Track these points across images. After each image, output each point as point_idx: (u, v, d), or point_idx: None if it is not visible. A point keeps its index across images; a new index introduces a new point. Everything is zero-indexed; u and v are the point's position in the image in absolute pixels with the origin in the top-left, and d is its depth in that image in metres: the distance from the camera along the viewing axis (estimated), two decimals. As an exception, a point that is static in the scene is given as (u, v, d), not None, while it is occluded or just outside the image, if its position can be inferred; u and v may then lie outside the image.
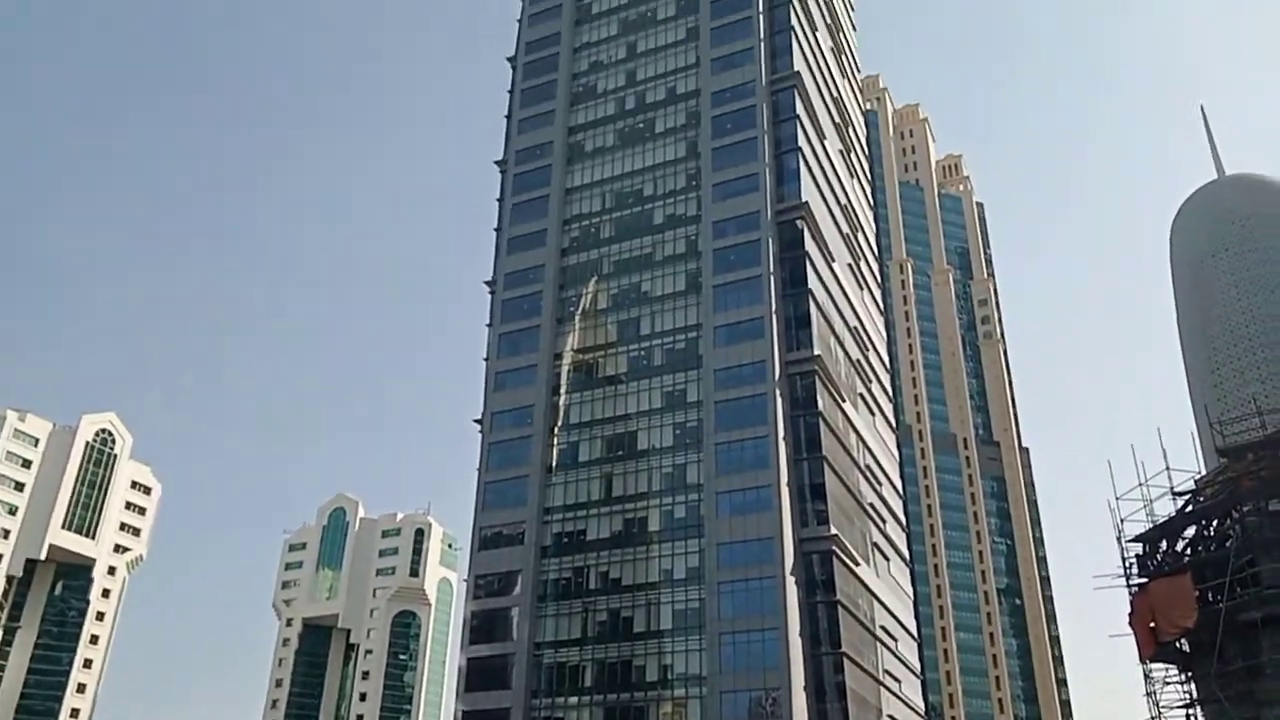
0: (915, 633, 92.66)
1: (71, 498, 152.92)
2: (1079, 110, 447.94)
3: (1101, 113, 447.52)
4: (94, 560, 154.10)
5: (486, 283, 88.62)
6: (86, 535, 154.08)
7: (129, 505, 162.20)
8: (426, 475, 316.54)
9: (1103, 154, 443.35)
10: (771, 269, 76.67)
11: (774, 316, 75.00)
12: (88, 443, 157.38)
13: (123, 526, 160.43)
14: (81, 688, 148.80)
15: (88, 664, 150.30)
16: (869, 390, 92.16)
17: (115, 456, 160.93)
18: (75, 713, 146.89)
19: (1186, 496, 45.94)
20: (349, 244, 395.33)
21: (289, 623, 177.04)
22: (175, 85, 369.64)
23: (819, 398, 74.48)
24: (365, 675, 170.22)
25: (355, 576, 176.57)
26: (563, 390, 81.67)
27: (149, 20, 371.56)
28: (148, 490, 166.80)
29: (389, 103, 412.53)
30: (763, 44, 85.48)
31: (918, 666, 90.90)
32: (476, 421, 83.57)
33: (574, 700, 70.01)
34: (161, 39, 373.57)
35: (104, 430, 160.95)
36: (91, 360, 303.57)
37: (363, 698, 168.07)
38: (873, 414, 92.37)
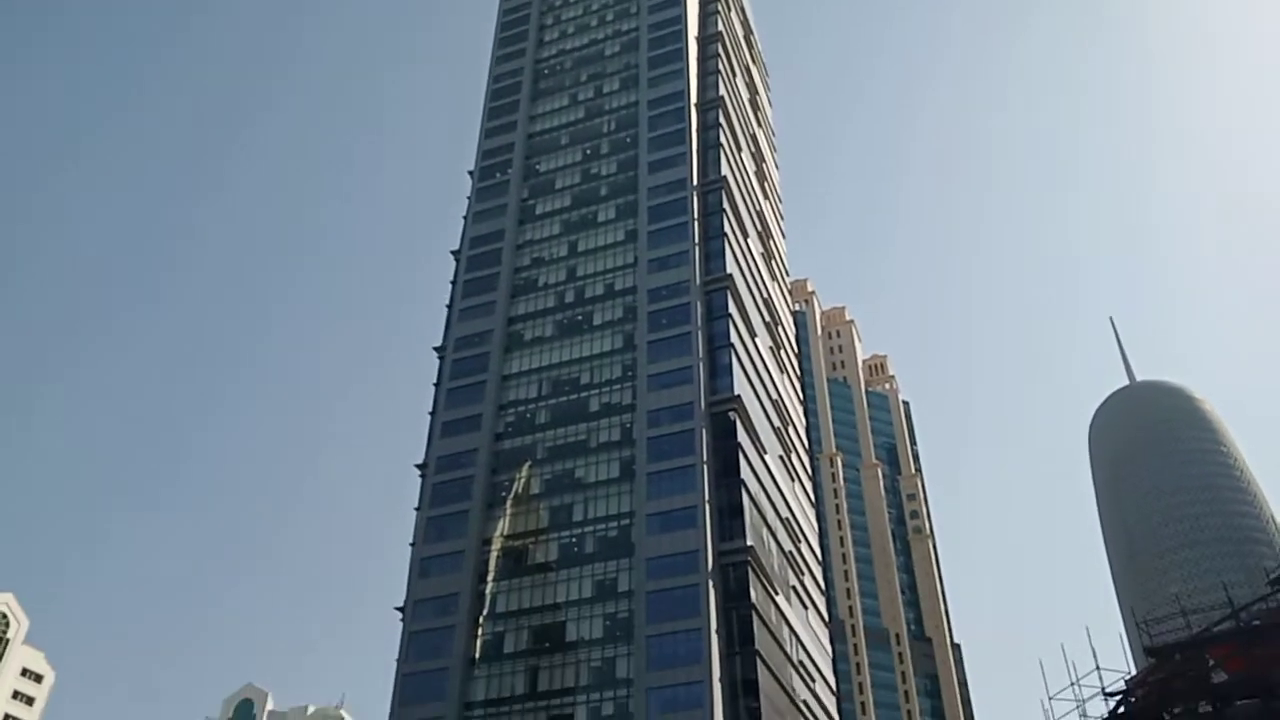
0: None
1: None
2: (999, 312, 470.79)
3: (1020, 317, 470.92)
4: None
5: (417, 466, 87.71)
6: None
7: (16, 695, 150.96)
8: (344, 663, 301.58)
9: (1022, 355, 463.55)
10: (705, 458, 77.34)
11: (707, 505, 75.08)
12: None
13: (7, 718, 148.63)
14: None
15: None
16: (801, 583, 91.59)
17: (7, 641, 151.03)
18: None
19: (1118, 697, 45.78)
20: (278, 422, 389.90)
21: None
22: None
23: (752, 589, 73.75)
24: None
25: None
26: (490, 577, 79.71)
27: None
28: (39, 678, 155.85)
29: (330, 290, 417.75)
30: (697, 248, 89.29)
31: None
32: (398, 609, 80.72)
33: None
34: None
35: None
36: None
37: None
38: (805, 607, 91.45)
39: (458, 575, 79.33)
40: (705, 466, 76.92)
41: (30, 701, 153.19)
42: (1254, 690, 41.72)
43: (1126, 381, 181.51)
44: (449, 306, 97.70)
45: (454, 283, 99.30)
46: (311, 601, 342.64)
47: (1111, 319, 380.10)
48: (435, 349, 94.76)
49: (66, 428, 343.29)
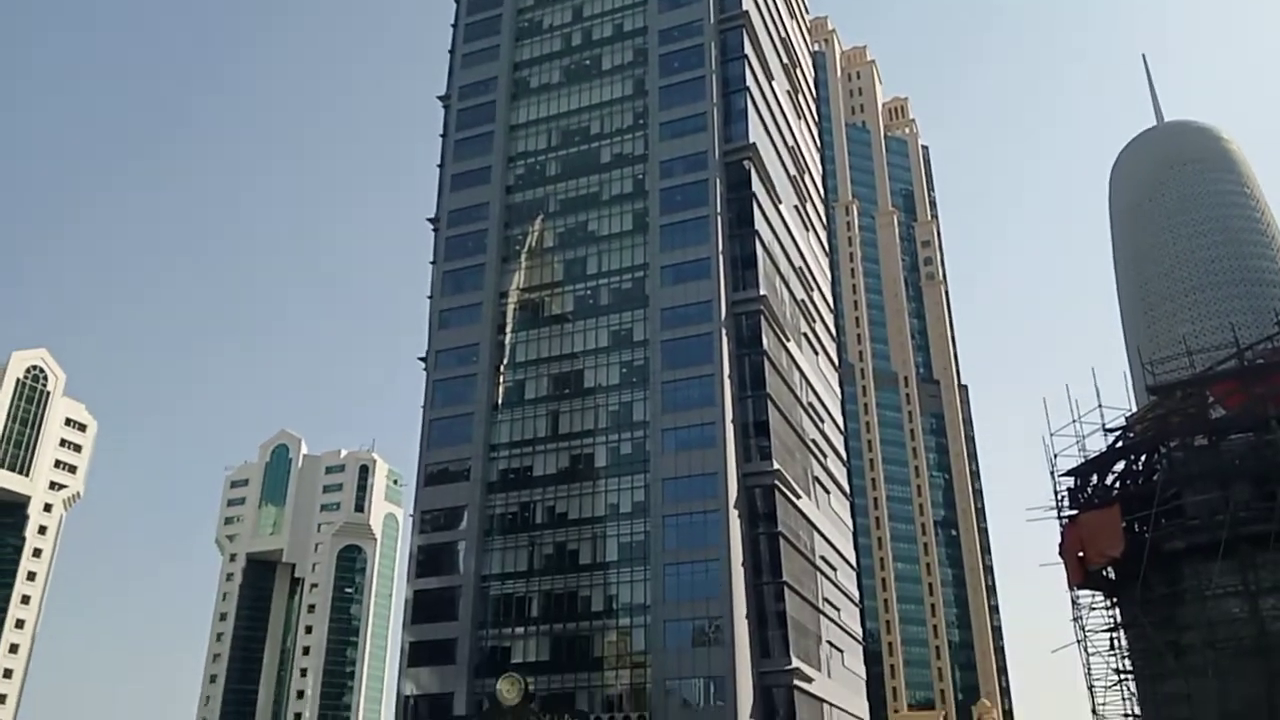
0: (854, 563, 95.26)
1: (3, 435, 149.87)
2: (1024, 58, 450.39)
3: (1046, 61, 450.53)
4: (29, 498, 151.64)
5: (430, 220, 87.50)
6: (20, 473, 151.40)
7: (64, 443, 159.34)
8: (370, 412, 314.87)
9: (1047, 102, 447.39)
10: (719, 209, 76.74)
11: (720, 256, 75.30)
12: (18, 379, 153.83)
13: (58, 464, 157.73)
14: (20, 623, 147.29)
15: (25, 600, 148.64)
16: (813, 330, 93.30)
17: (48, 394, 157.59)
18: (14, 648, 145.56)
19: (1117, 433, 47.56)
20: (289, 177, 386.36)
21: (232, 558, 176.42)
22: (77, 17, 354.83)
23: (764, 337, 75.27)
24: (311, 609, 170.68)
25: (299, 512, 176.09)
26: (508, 329, 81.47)
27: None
28: (83, 427, 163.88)
29: (328, 35, 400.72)
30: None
31: (856, 595, 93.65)
32: (421, 359, 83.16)
33: (520, 630, 71.17)
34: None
35: (35, 367, 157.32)
36: (15, 296, 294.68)
37: (308, 630, 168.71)
38: (816, 353, 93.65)
39: (476, 326, 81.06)
40: (719, 218, 76.47)
41: (78, 449, 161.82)
42: (1250, 425, 43.23)
43: (1155, 124, 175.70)
44: (450, 52, 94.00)
45: (454, 25, 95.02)
46: (340, 354, 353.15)
47: (1144, 56, 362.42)
48: (440, 98, 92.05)
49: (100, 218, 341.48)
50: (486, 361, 79.69)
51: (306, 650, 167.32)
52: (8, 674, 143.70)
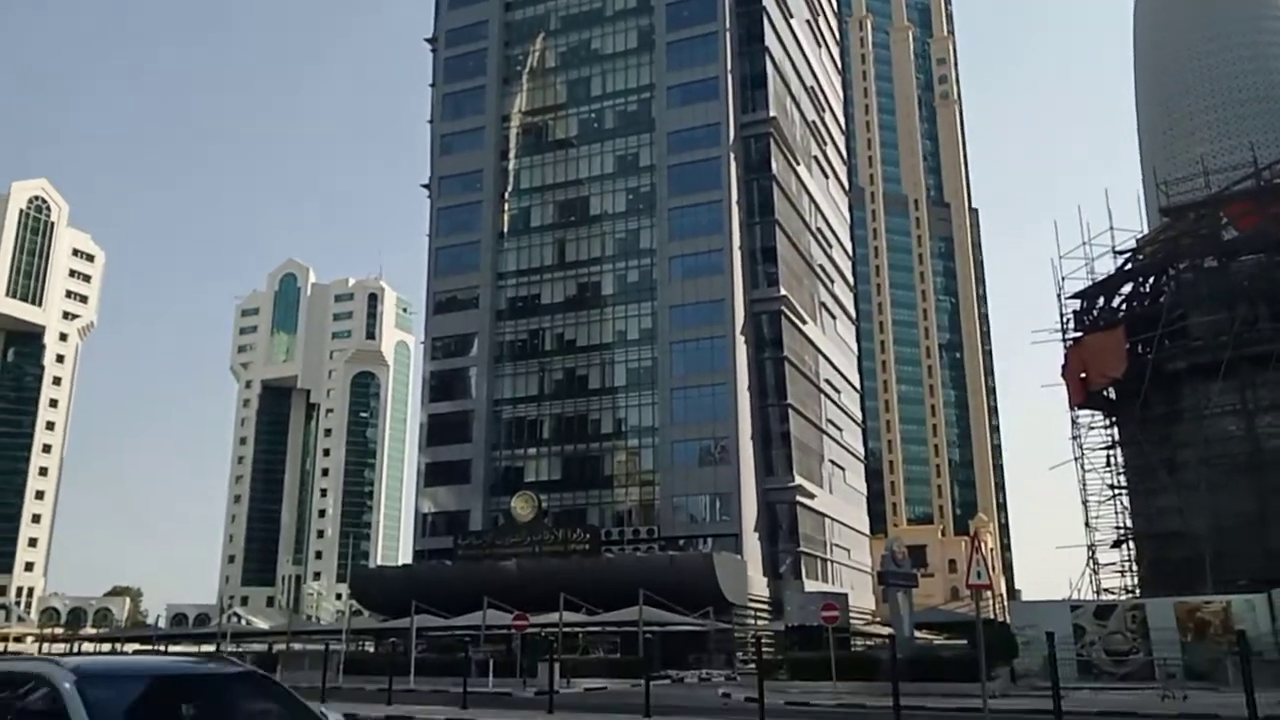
0: (858, 385, 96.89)
1: (12, 265, 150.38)
2: None
3: None
4: (43, 327, 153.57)
5: (428, 40, 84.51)
6: (33, 303, 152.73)
7: (73, 273, 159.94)
8: (375, 240, 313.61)
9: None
10: (727, 24, 73.87)
11: (729, 76, 73.04)
12: (21, 210, 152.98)
13: (69, 294, 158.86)
14: (47, 448, 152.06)
15: (50, 426, 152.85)
16: (823, 153, 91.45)
17: (52, 224, 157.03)
18: (44, 471, 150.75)
19: (1127, 255, 47.26)
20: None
21: (248, 385, 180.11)
22: None
23: (773, 160, 73.91)
24: (328, 433, 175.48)
25: (311, 340, 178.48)
26: (512, 154, 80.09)
27: None
28: (90, 257, 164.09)
29: None
30: None
31: (859, 416, 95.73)
32: (424, 186, 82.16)
33: (532, 451, 73.29)
34: None
35: (37, 197, 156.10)
36: (10, 126, 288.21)
37: (326, 454, 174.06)
38: (826, 177, 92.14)
39: (480, 152, 79.69)
40: (728, 34, 73.69)
41: (87, 279, 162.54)
42: (1262, 246, 42.88)
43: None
44: None
45: None
46: (344, 183, 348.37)
47: None
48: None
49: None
50: (491, 188, 78.77)
51: (326, 472, 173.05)
52: (39, 495, 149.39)
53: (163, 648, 51.98)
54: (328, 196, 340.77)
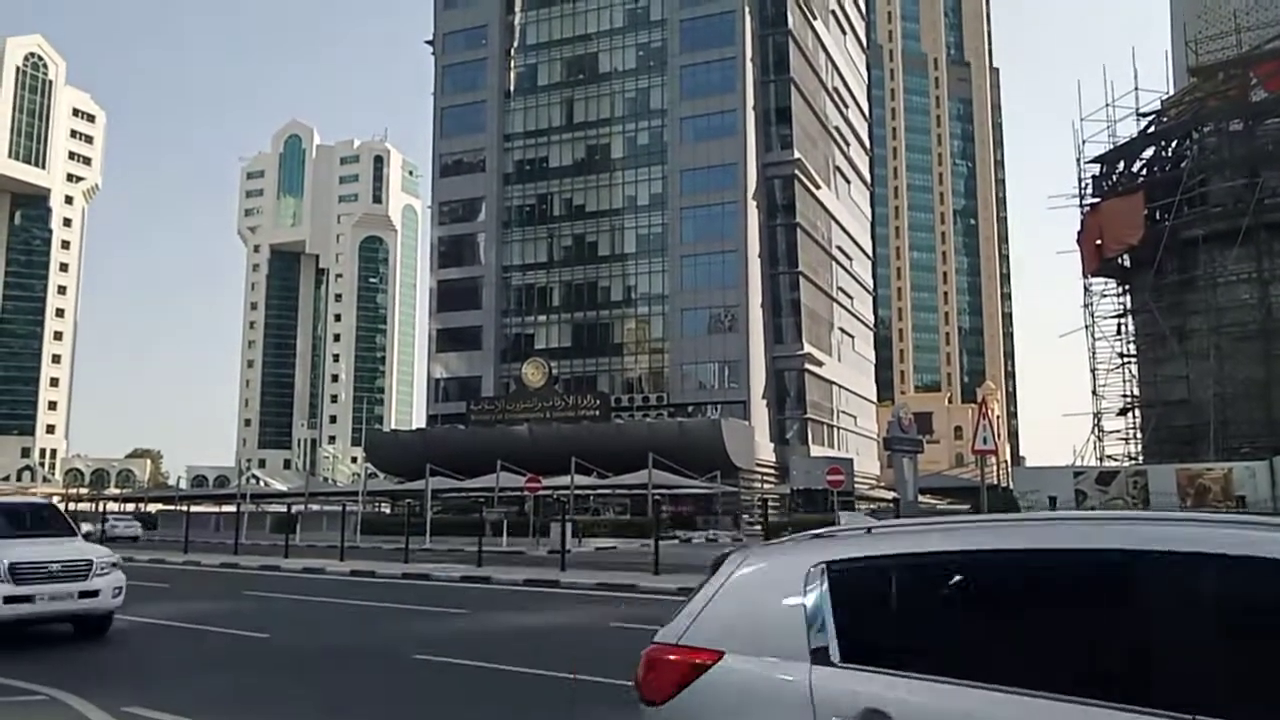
0: (870, 252, 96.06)
1: (12, 126, 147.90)
2: None
3: None
4: (48, 190, 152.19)
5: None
6: (36, 164, 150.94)
7: (75, 134, 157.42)
8: (379, 100, 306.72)
9: None
10: None
11: (744, -77, 69.75)
12: (18, 68, 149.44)
13: (72, 155, 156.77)
14: (60, 312, 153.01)
15: (62, 290, 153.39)
16: (842, 7, 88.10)
17: (50, 82, 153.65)
18: (59, 335, 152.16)
19: (1150, 117, 45.83)
20: None
21: (256, 249, 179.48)
22: None
23: (789, 15, 71.32)
24: (338, 298, 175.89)
25: (318, 203, 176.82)
26: (518, 7, 77.45)
27: None
28: (91, 118, 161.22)
29: None
30: None
31: (870, 284, 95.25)
32: (428, 43, 79.78)
33: (543, 318, 73.43)
34: None
35: (33, 54, 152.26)
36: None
37: (337, 319, 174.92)
38: (844, 33, 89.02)
39: (484, 6, 77.13)
40: (743, -122, 69.97)
41: (89, 140, 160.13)
42: (1291, 109, 41.48)
43: None
44: None
45: None
46: (346, 39, 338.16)
47: None
48: None
49: None
50: (496, 44, 76.51)
51: (337, 338, 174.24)
52: (56, 359, 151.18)
53: (186, 507, 53.44)
54: (331, 53, 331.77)
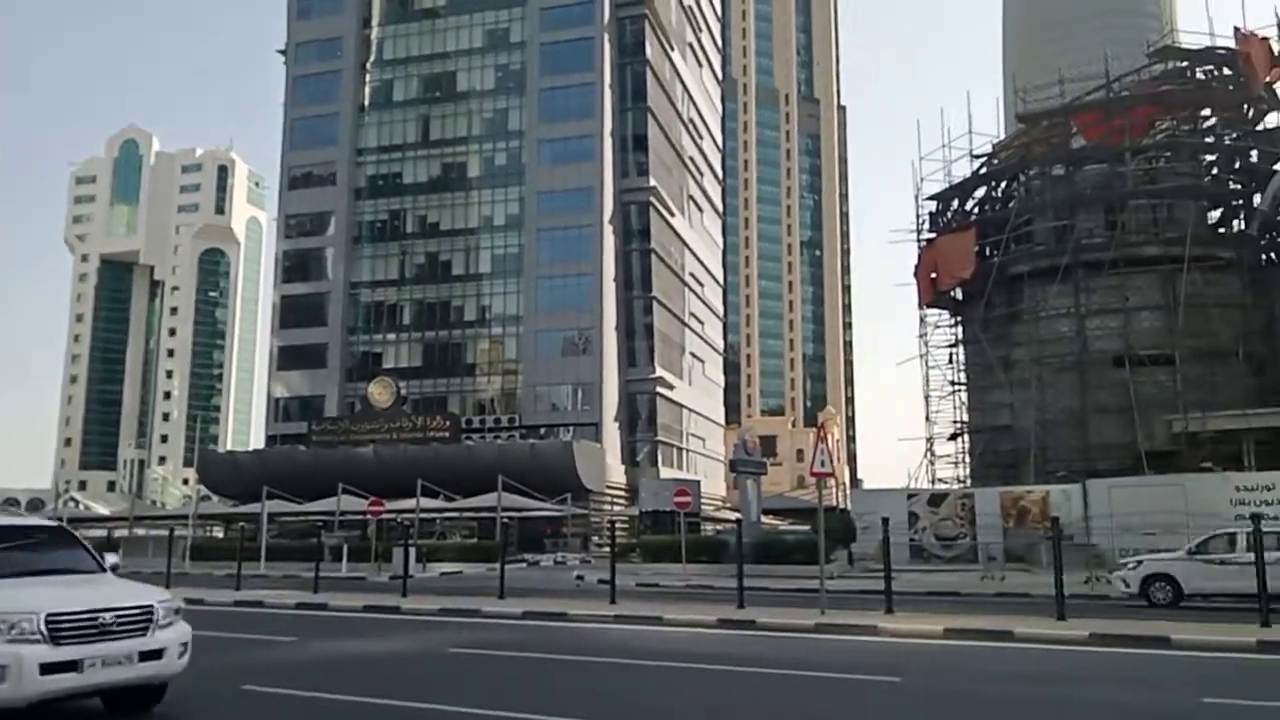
0: (721, 279, 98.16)
1: None
2: None
3: None
4: None
5: (284, -112, 78.32)
6: None
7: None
8: (227, 109, 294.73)
9: None
10: (604, -102, 71.04)
11: (604, -47, 70.63)
12: None
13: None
14: None
15: None
16: (699, 40, 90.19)
17: None
18: None
19: (983, 159, 48.78)
20: None
21: (84, 259, 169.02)
22: None
23: (648, 45, 72.50)
24: (174, 311, 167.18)
25: (155, 212, 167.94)
26: (375, 21, 76.07)
27: None
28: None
29: None
30: None
31: (721, 310, 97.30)
32: (280, 52, 77.35)
33: (392, 336, 71.80)
34: None
35: None
36: None
37: (172, 333, 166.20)
38: (700, 65, 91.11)
39: (340, 18, 75.46)
40: (604, -93, 70.95)
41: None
42: (1106, 156, 44.85)
43: None
44: None
45: None
46: (194, 47, 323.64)
47: None
48: None
49: None
50: (352, 57, 74.89)
51: (171, 353, 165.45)
52: None
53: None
54: (177, 61, 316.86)
